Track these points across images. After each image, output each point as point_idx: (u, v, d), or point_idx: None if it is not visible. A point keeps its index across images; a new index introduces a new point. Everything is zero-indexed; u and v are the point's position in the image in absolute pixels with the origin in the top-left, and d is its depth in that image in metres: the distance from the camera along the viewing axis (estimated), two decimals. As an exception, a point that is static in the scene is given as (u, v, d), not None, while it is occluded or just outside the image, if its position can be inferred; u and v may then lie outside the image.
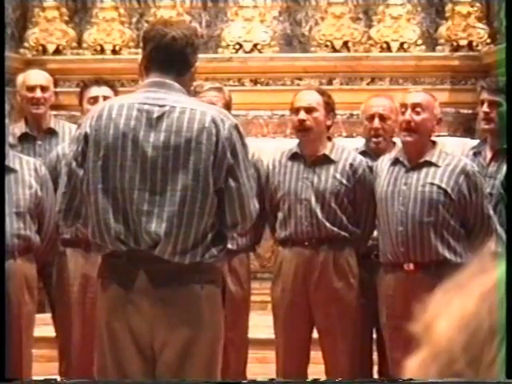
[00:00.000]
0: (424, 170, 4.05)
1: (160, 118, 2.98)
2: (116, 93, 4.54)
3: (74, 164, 3.06)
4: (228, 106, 4.23)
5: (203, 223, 2.97)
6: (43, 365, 4.69)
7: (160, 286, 2.96)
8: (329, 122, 4.28)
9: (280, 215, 4.25)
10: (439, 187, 4.01)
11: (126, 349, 3.00)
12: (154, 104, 2.99)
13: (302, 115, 4.21)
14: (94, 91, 4.47)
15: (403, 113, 4.09)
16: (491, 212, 4.12)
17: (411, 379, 0.94)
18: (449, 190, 4.00)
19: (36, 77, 5.08)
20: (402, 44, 6.93)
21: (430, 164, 4.06)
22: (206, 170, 2.95)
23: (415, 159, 4.07)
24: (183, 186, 2.95)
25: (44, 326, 4.69)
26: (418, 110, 4.05)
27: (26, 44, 7.04)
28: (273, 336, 4.37)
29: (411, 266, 4.01)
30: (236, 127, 3.02)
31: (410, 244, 4.00)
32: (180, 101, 3.01)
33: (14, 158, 4.27)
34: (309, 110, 4.22)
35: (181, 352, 2.98)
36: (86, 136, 3.03)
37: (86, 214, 3.09)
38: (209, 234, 2.99)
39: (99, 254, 3.11)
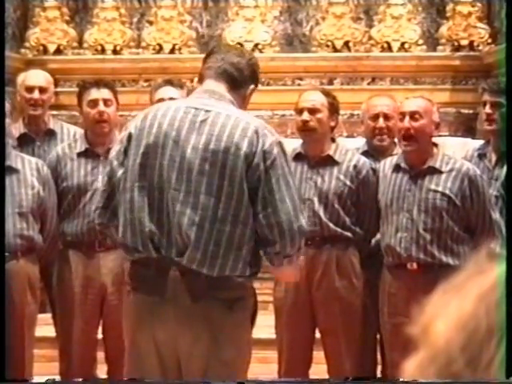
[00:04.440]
0: (427, 177, 4.06)
1: (204, 121, 2.97)
2: (116, 95, 4.52)
3: (114, 163, 3.03)
4: None
5: (237, 233, 2.90)
6: (44, 365, 4.69)
7: (188, 300, 2.90)
8: (333, 123, 4.28)
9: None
10: (443, 194, 4.02)
11: (149, 361, 2.96)
12: (200, 108, 2.99)
13: (306, 116, 4.21)
14: (94, 94, 4.43)
15: (401, 120, 4.09)
16: (496, 215, 4.13)
17: (405, 380, 0.94)
18: (453, 197, 4.01)
19: (35, 78, 5.03)
20: (402, 44, 6.93)
21: (433, 170, 4.07)
22: (241, 178, 2.91)
23: (417, 165, 4.08)
24: (218, 190, 2.90)
25: (45, 326, 4.70)
26: (416, 116, 4.06)
27: (26, 44, 7.04)
28: (273, 336, 4.37)
29: (414, 266, 4.03)
30: (279, 144, 2.98)
31: (413, 250, 4.02)
32: (227, 109, 3.00)
33: (16, 158, 4.27)
34: (312, 111, 4.22)
35: (203, 368, 2.92)
36: (129, 136, 3.02)
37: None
38: (243, 248, 2.91)
39: (128, 257, 3.04)
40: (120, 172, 3.02)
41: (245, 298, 2.99)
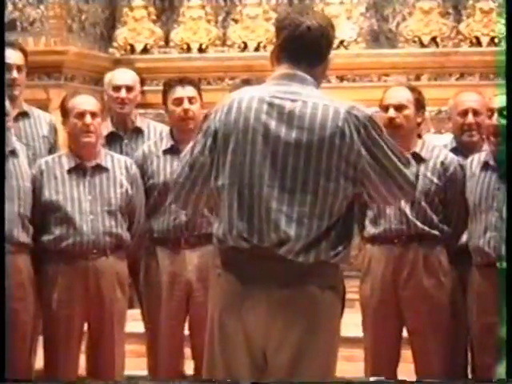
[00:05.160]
0: None
1: (291, 113, 2.88)
2: (200, 92, 4.55)
3: (200, 159, 2.97)
4: None
5: (333, 225, 2.88)
6: (133, 360, 4.75)
7: (280, 286, 2.85)
8: (419, 119, 4.22)
9: (369, 213, 4.22)
10: None
11: (236, 346, 2.90)
12: (285, 98, 2.90)
13: (392, 113, 4.17)
14: (178, 92, 4.47)
15: (490, 117, 4.03)
16: None
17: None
18: None
19: (122, 77, 5.10)
20: (492, 39, 6.81)
21: None
22: (337, 173, 2.86)
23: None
24: (314, 186, 2.85)
25: (133, 322, 4.75)
26: (505, 113, 3.98)
27: (114, 43, 7.14)
28: (360, 334, 4.34)
29: (504, 265, 3.96)
30: (370, 119, 2.91)
31: (503, 249, 3.94)
32: (312, 95, 2.91)
33: (105, 157, 4.34)
34: (399, 108, 4.17)
35: (294, 357, 2.87)
36: (215, 131, 2.95)
37: (208, 204, 3.02)
38: (332, 232, 2.88)
39: (220, 247, 2.97)
40: (206, 167, 2.96)
41: (336, 285, 2.94)
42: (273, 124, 2.88)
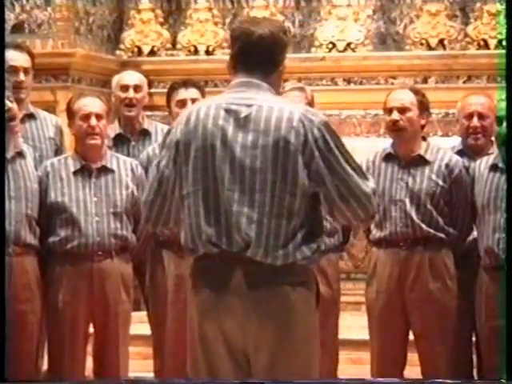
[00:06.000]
0: None
1: (247, 117, 2.95)
2: (204, 94, 4.56)
3: (166, 172, 3.03)
4: (310, 105, 4.20)
5: (292, 224, 2.93)
6: (139, 362, 4.75)
7: (252, 288, 2.92)
8: (423, 122, 4.23)
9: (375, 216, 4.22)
10: None
11: (218, 352, 2.95)
12: (241, 104, 2.97)
13: (395, 115, 4.17)
14: (182, 94, 4.50)
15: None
16: None
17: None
18: None
19: (130, 77, 5.14)
20: (500, 41, 6.80)
21: None
22: (294, 171, 2.92)
23: None
24: (272, 186, 2.92)
25: (139, 324, 4.75)
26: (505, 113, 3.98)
27: (121, 46, 7.16)
28: (367, 337, 4.34)
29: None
30: (325, 124, 2.96)
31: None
32: (267, 100, 2.97)
33: (111, 158, 4.34)
34: (402, 110, 4.18)
35: (274, 355, 2.92)
36: (177, 143, 3.01)
37: (177, 220, 3.06)
38: (298, 234, 2.94)
39: (192, 257, 3.04)
40: (172, 179, 3.02)
41: (308, 280, 2.99)
42: (230, 129, 2.95)
